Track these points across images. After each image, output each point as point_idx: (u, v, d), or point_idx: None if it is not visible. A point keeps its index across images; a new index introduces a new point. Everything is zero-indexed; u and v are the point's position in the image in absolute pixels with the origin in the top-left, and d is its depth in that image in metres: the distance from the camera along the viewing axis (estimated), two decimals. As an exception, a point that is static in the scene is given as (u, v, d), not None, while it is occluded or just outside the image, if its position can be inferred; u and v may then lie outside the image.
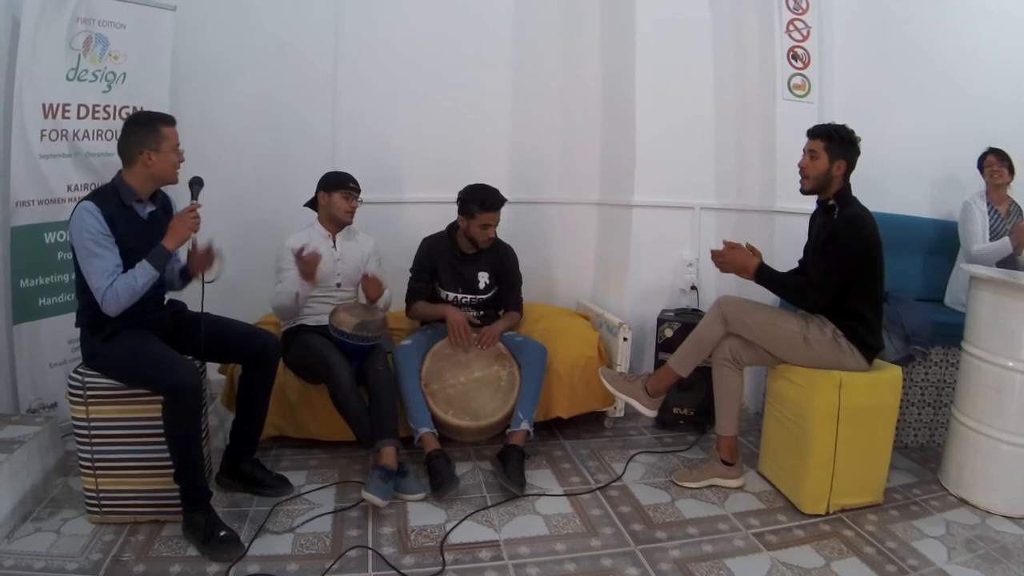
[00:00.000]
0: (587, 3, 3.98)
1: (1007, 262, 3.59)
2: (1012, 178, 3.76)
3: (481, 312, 3.23)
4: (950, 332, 3.19)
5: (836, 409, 2.51)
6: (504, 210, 3.12)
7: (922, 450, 3.35)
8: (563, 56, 4.03)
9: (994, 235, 3.65)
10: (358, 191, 3.07)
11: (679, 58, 3.65)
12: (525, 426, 2.84)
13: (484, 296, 3.23)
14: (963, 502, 2.80)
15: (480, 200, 3.03)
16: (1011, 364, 2.66)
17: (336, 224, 3.06)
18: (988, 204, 3.73)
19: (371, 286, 2.93)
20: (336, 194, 3.01)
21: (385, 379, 2.75)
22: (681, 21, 3.64)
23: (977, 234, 3.66)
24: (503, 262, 3.24)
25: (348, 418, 2.68)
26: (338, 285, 3.07)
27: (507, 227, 3.30)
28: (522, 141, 4.04)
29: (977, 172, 3.79)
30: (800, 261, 2.87)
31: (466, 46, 3.89)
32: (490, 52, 3.94)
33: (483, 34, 3.92)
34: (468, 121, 3.92)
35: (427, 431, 2.76)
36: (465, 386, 2.95)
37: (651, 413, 2.83)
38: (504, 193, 3.10)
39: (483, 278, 3.20)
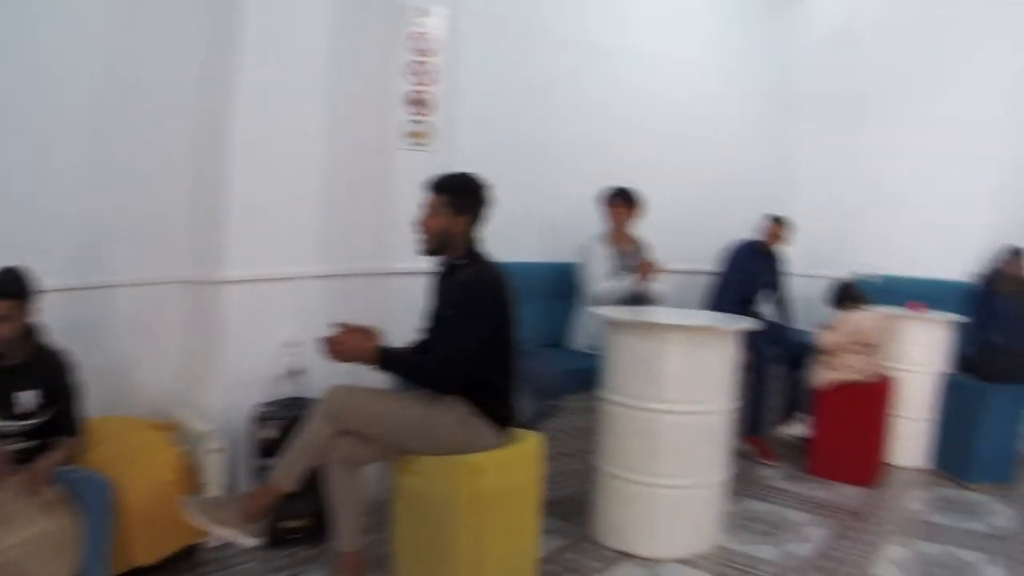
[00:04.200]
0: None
1: (636, 299, 4.00)
2: (635, 217, 4.25)
3: (33, 442, 2.62)
4: (581, 378, 3.44)
5: (475, 497, 2.52)
6: (53, 298, 2.63)
7: (566, 503, 3.56)
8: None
9: (618, 273, 4.07)
10: None
11: (283, 101, 3.42)
12: (97, 588, 2.40)
13: (32, 423, 2.62)
14: (625, 555, 2.98)
15: None
16: (658, 407, 2.91)
17: None
18: (611, 244, 4.16)
19: None
20: None
21: None
22: (289, 58, 3.43)
23: (597, 275, 4.04)
24: (53, 374, 2.67)
25: None
26: None
27: (58, 322, 2.74)
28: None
29: (601, 212, 4.22)
30: (423, 329, 2.83)
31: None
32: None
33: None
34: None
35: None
36: (11, 552, 2.34)
37: (253, 543, 2.54)
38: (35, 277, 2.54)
39: (26, 399, 2.60)
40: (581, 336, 4.13)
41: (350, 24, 3.60)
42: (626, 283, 4.00)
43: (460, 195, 2.62)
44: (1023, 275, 5.15)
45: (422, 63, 3.75)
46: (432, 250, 2.67)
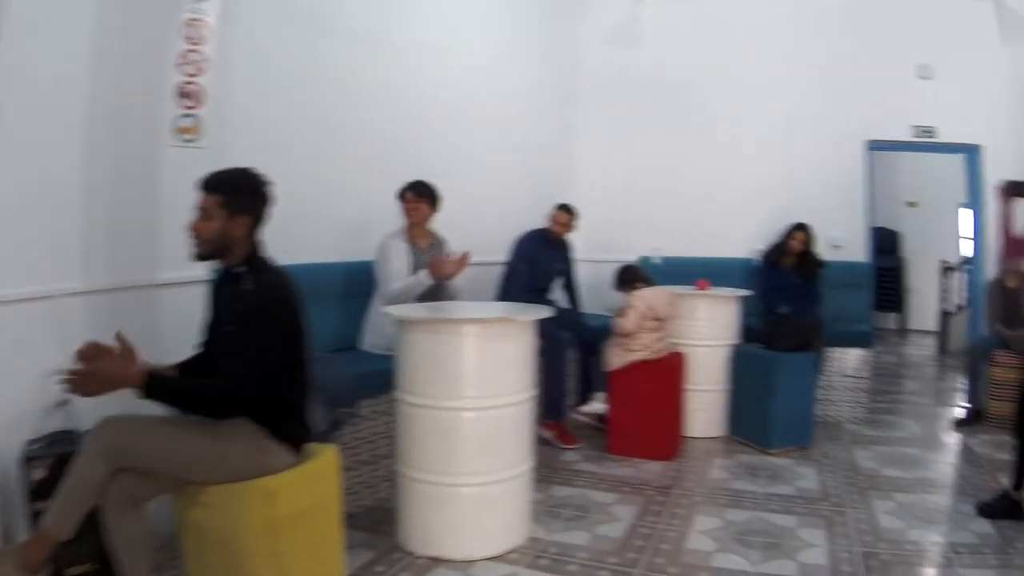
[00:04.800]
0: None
1: (433, 295, 4.04)
2: (433, 212, 4.28)
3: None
4: (375, 381, 3.44)
5: (271, 523, 2.41)
6: None
7: (370, 514, 3.55)
8: None
9: (416, 270, 4.09)
10: None
11: (35, 92, 3.05)
12: None
13: None
14: (437, 560, 3.04)
15: None
16: (456, 404, 2.97)
17: None
18: (407, 241, 4.15)
19: None
20: None
21: None
22: (44, 45, 3.05)
23: (396, 272, 4.04)
24: None
25: None
26: None
27: None
28: None
29: (398, 208, 4.22)
30: (201, 343, 2.68)
31: None
32: None
33: None
34: None
35: None
36: None
37: (30, 599, 2.30)
38: None
39: None
40: (375, 337, 4.11)
41: (118, 8, 3.31)
42: (424, 280, 4.03)
43: (236, 194, 2.45)
44: (805, 249, 5.79)
45: (194, 52, 3.55)
46: (207, 256, 2.48)
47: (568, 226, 5.33)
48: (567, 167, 6.84)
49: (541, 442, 4.37)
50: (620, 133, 7.01)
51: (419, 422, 3.09)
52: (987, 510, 3.82)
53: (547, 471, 4.16)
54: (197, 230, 2.45)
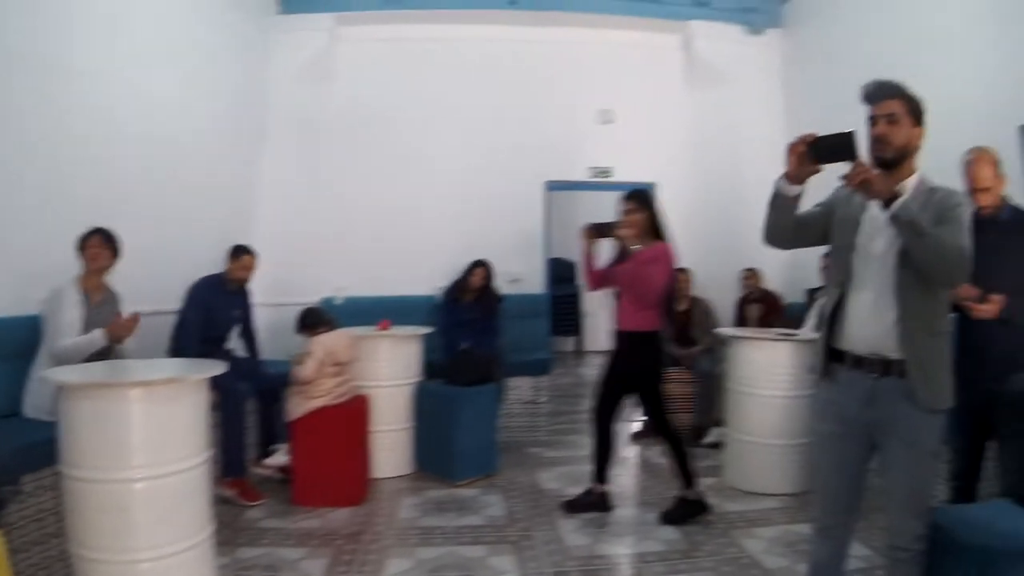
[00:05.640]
0: None
1: (102, 354, 3.90)
2: (114, 261, 4.14)
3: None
4: (39, 452, 3.30)
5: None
6: None
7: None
8: None
9: (89, 326, 3.92)
10: None
11: None
12: None
13: None
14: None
15: None
16: (124, 475, 2.91)
17: None
18: (81, 292, 3.98)
19: None
20: None
21: None
22: None
23: (68, 325, 3.86)
24: None
25: None
26: None
27: None
28: None
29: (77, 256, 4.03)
30: None
31: None
32: None
33: None
34: None
35: None
36: None
37: None
38: None
39: None
40: (38, 400, 3.86)
41: None
42: (98, 340, 3.87)
43: None
44: (485, 284, 6.32)
45: None
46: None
47: (247, 270, 5.30)
48: (249, 207, 6.83)
49: (222, 501, 4.35)
50: (307, 170, 7.18)
51: (86, 497, 2.95)
52: (671, 517, 4.43)
53: (231, 532, 4.12)
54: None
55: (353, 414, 4.87)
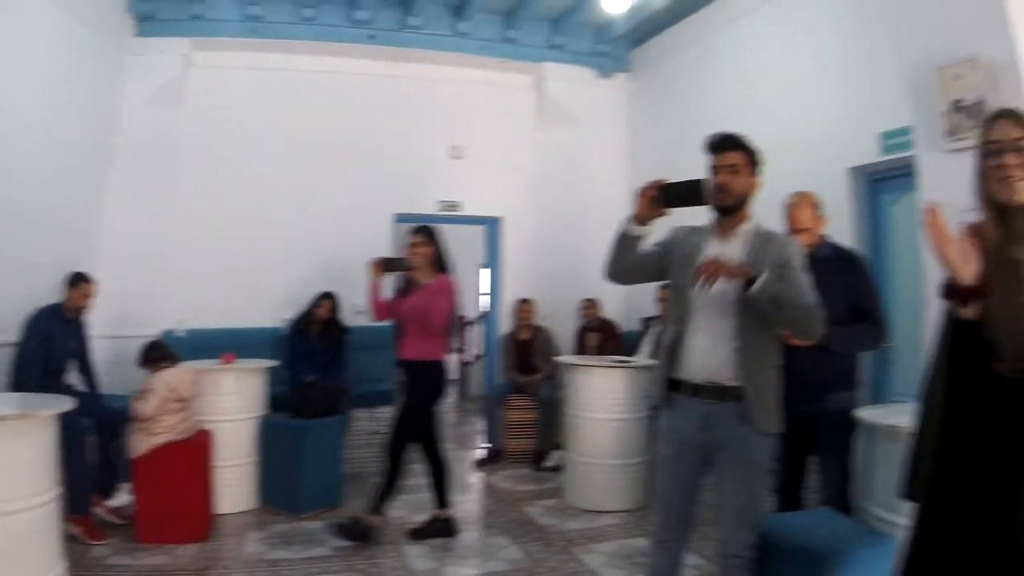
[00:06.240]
0: None
1: None
2: None
3: None
4: None
5: None
6: None
7: None
8: None
9: None
10: None
11: None
12: None
13: None
14: None
15: None
16: None
17: None
18: None
19: None
20: None
21: None
22: None
23: None
24: None
25: None
26: None
27: None
28: None
29: None
30: None
31: None
32: None
33: None
34: None
35: None
36: None
37: None
38: None
39: None
40: None
41: None
42: None
43: None
44: (331, 316, 6.56)
45: None
46: None
47: (85, 298, 5.31)
48: (91, 234, 6.77)
49: (69, 539, 4.30)
50: (154, 197, 7.18)
51: None
52: (419, 533, 4.86)
53: (78, 570, 4.11)
54: None
55: (196, 449, 4.94)
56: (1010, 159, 2.07)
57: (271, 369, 5.82)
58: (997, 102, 3.44)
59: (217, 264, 7.25)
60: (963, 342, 2.03)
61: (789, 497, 4.06)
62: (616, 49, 8.83)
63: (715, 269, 2.78)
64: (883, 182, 5.37)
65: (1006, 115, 2.17)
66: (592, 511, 5.46)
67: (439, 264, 4.92)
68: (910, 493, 2.21)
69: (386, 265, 4.96)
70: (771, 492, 3.97)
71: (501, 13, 8.38)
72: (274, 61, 7.67)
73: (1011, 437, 1.98)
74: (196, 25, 7.40)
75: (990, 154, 2.13)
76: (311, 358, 6.49)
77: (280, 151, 7.58)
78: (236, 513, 5.34)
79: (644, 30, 8.34)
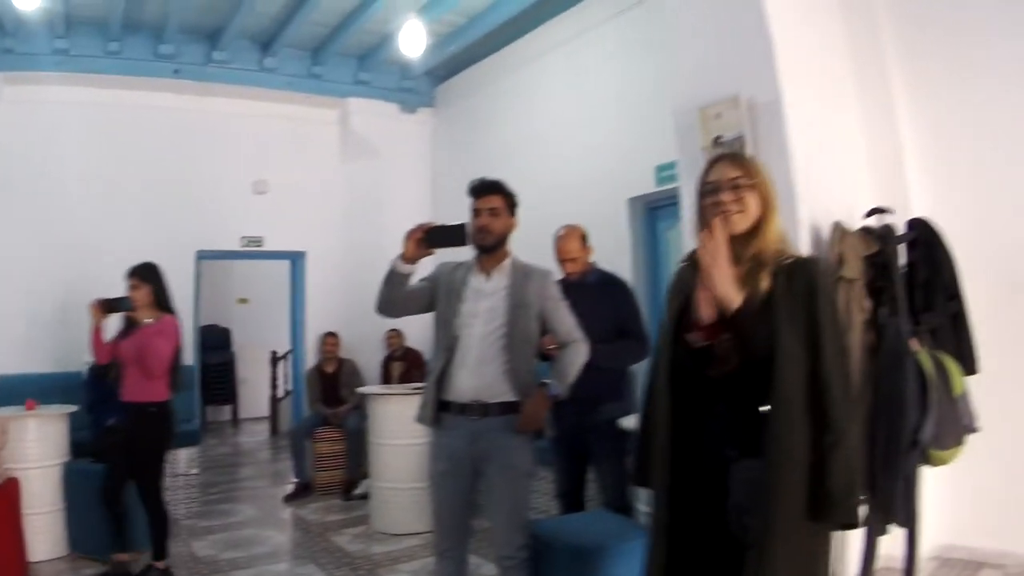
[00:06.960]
0: None
1: None
2: None
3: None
4: None
5: None
6: None
7: None
8: None
9: None
10: None
11: None
12: None
13: None
14: None
15: None
16: None
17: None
18: None
19: None
20: None
21: None
22: None
23: None
24: None
25: None
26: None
27: None
28: None
29: None
30: None
31: None
32: None
33: None
34: None
35: None
36: None
37: None
38: None
39: None
40: None
41: None
42: None
43: None
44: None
45: None
46: None
47: None
48: None
49: None
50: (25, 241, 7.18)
51: None
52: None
53: None
54: None
55: (4, 497, 5.01)
56: (726, 196, 2.40)
57: (73, 415, 5.91)
58: (755, 138, 4.07)
59: (19, 305, 7.29)
60: (686, 357, 2.48)
61: (572, 501, 4.51)
62: (420, 85, 9.43)
63: (531, 424, 3.40)
64: (658, 210, 6.20)
65: (724, 158, 2.53)
66: (398, 534, 5.89)
67: (160, 304, 4.96)
68: (640, 480, 2.69)
69: (107, 306, 4.99)
70: (554, 497, 4.65)
71: (308, 49, 8.77)
72: (82, 95, 7.76)
73: (718, 431, 2.45)
74: (7, 59, 7.43)
75: (707, 193, 2.46)
76: (112, 402, 6.59)
77: (84, 188, 7.69)
78: (49, 561, 5.42)
79: (447, 68, 8.99)
